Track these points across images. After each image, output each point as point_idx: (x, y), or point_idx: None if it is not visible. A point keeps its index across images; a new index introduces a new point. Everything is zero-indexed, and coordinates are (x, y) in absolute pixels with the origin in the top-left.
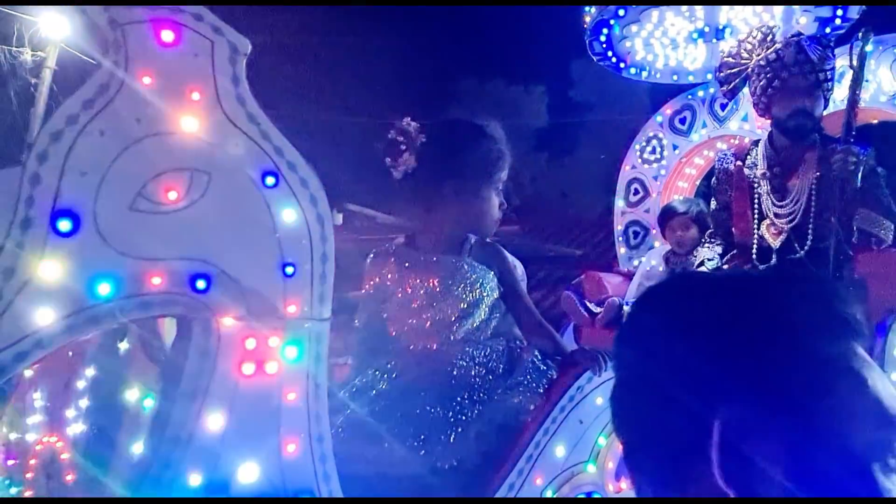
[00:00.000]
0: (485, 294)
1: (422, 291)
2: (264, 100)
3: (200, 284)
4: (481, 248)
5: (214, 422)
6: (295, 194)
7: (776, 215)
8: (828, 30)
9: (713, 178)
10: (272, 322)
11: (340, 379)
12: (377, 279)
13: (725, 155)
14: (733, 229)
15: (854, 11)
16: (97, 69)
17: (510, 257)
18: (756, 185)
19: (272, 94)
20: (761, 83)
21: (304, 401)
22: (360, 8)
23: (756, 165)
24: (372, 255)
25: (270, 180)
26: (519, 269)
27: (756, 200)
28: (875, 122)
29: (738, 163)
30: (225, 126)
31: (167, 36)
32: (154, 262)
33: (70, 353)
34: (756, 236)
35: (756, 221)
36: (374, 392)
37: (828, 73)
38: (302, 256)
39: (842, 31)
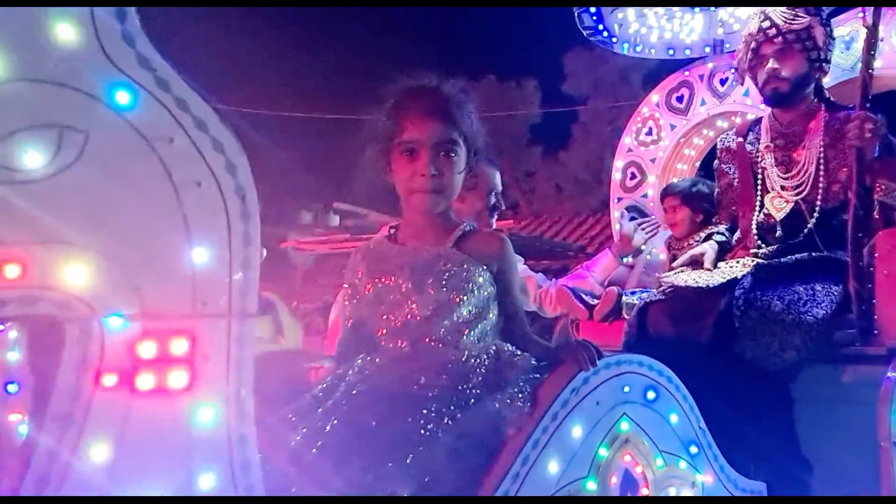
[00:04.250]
0: (469, 292)
1: (392, 287)
2: (253, 96)
3: (73, 274)
4: (478, 237)
5: (98, 453)
6: (205, 159)
7: (783, 188)
8: None
9: (714, 161)
10: (177, 321)
11: (316, 382)
12: (352, 276)
13: (727, 135)
14: (738, 211)
15: None
16: None
17: (511, 252)
18: (759, 160)
19: (258, 90)
20: (742, 58)
21: (224, 421)
22: (345, 7)
23: (759, 140)
24: (353, 252)
25: (172, 141)
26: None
27: (760, 176)
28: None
29: (740, 139)
30: (108, 71)
31: None
32: (7, 248)
33: None
34: (760, 213)
35: (759, 197)
36: (329, 401)
37: (800, 32)
38: (216, 237)
39: None
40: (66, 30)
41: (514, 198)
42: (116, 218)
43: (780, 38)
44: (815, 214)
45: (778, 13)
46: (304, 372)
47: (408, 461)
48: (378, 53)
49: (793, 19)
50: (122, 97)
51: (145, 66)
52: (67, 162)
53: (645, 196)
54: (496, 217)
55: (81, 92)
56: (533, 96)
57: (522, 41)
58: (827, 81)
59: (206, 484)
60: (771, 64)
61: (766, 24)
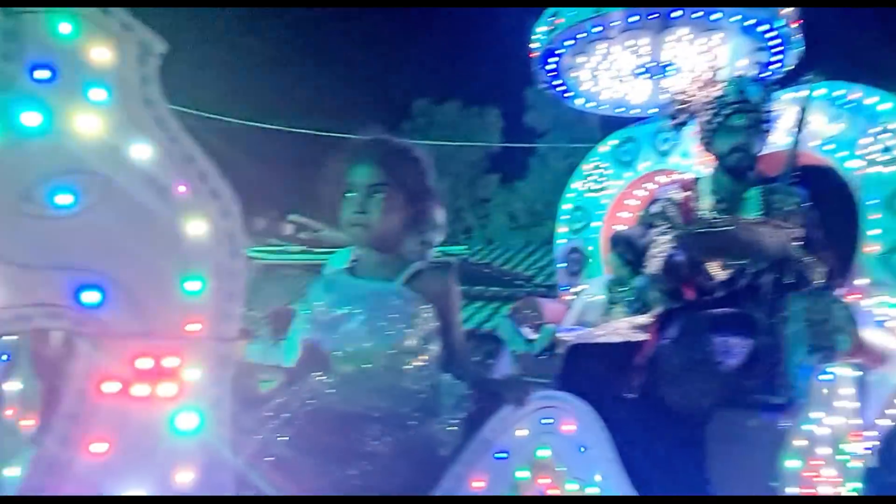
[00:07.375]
0: (415, 325)
1: (347, 316)
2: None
3: (89, 297)
4: (426, 276)
5: (97, 448)
6: (204, 206)
7: None
8: (764, 74)
9: (650, 207)
10: (170, 341)
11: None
12: (312, 302)
13: (667, 187)
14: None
15: (791, 58)
16: None
17: (457, 291)
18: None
19: (220, 103)
20: (705, 119)
21: (204, 427)
22: (315, 22)
23: (699, 199)
24: (314, 278)
25: (179, 189)
26: None
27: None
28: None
29: (688, 193)
30: (129, 129)
31: (65, 28)
32: (38, 271)
33: None
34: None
35: None
36: (284, 414)
37: (767, 114)
38: (208, 272)
39: (777, 77)
40: (98, 93)
41: (467, 223)
42: (128, 251)
43: (753, 114)
44: (744, 280)
45: (756, 89)
46: (255, 384)
47: (349, 473)
48: (337, 69)
49: (766, 100)
50: (141, 151)
51: (161, 126)
52: (91, 202)
53: (587, 240)
54: (432, 250)
55: (107, 145)
56: (494, 125)
57: (490, 70)
58: None
59: (185, 479)
60: (740, 139)
61: (742, 96)
